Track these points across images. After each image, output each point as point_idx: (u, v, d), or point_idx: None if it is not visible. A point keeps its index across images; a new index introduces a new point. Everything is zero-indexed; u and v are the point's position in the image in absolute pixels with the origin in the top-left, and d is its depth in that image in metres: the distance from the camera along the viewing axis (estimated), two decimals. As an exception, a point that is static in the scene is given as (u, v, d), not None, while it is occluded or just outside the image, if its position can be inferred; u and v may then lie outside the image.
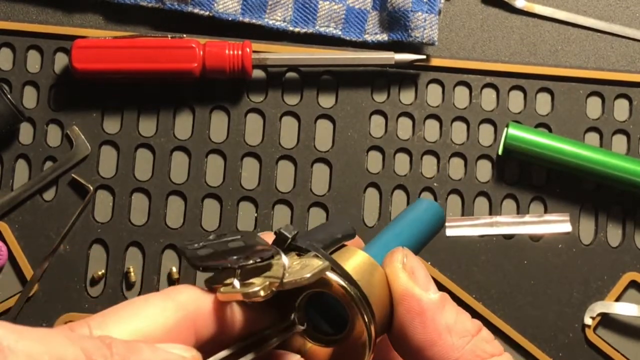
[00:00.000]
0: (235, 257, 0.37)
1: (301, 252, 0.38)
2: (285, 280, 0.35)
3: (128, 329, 0.32)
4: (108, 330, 0.32)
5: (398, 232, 0.44)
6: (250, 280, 0.36)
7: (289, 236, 0.38)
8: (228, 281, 0.36)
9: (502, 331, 0.60)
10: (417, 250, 0.44)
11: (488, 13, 0.65)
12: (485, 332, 0.40)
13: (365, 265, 0.39)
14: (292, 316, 0.38)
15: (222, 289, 0.36)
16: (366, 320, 0.37)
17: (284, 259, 0.36)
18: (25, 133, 0.62)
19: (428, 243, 0.46)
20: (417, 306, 0.39)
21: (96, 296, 0.60)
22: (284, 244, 0.38)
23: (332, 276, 0.37)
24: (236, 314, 0.36)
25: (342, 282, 0.37)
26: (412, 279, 0.39)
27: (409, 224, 0.45)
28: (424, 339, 0.38)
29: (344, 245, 0.40)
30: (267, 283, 0.35)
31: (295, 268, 0.36)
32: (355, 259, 0.39)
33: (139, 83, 0.62)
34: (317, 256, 0.37)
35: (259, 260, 0.36)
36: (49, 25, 0.62)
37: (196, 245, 0.39)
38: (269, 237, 0.40)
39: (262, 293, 0.35)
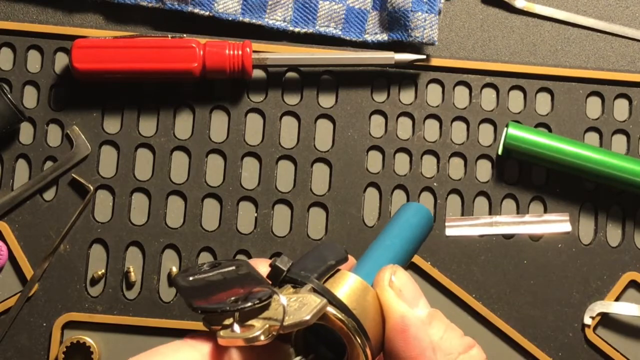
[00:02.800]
0: (233, 299, 0.37)
1: (296, 284, 0.39)
2: (285, 324, 0.36)
3: None
4: None
5: (388, 243, 0.44)
6: (250, 322, 0.37)
7: (284, 269, 0.39)
8: (227, 322, 0.37)
9: (502, 331, 0.60)
10: (409, 258, 0.45)
11: (488, 13, 0.65)
12: (476, 351, 0.40)
13: (358, 290, 0.40)
14: (292, 349, 0.38)
15: (222, 333, 0.36)
16: (363, 348, 0.38)
17: (283, 301, 0.36)
18: (26, 133, 0.62)
19: (420, 246, 0.47)
20: (401, 323, 0.39)
21: (96, 296, 0.60)
22: (279, 277, 0.39)
23: (329, 309, 0.38)
24: (235, 354, 0.37)
25: (339, 316, 0.38)
26: (399, 296, 0.40)
27: (398, 233, 0.45)
28: (407, 355, 0.39)
29: (338, 270, 0.41)
30: (267, 326, 0.36)
31: (293, 307, 0.37)
32: (348, 285, 0.40)
33: (139, 83, 0.62)
34: (313, 289, 0.38)
35: (257, 302, 0.37)
36: (49, 25, 0.62)
37: (190, 278, 0.39)
38: (260, 264, 0.40)
39: (262, 338, 0.36)
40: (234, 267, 0.40)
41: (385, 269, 0.41)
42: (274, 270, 0.39)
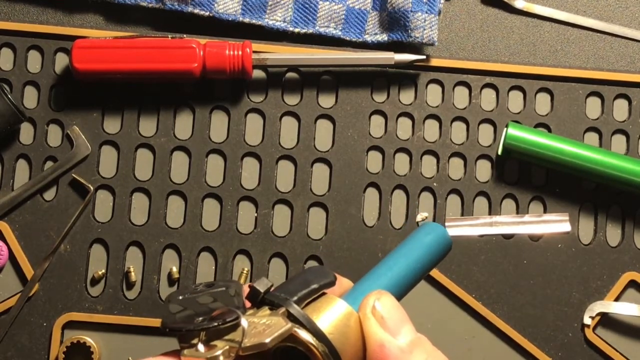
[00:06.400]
0: (200, 319, 0.38)
1: (273, 306, 0.39)
2: (244, 346, 0.36)
3: None
4: None
5: (392, 263, 0.43)
6: (214, 343, 0.37)
7: (261, 291, 0.39)
8: (194, 341, 0.37)
9: (502, 331, 0.60)
10: (415, 278, 0.44)
11: (488, 13, 0.65)
12: None
13: (340, 315, 0.39)
14: None
15: (185, 352, 0.37)
16: None
17: (243, 323, 0.37)
18: (26, 133, 0.62)
19: (433, 267, 0.45)
20: (379, 352, 0.39)
21: (96, 296, 0.60)
22: (257, 299, 0.39)
23: (301, 333, 0.37)
24: None
25: (309, 339, 0.38)
26: (380, 324, 0.39)
27: (406, 252, 0.44)
28: None
29: (323, 294, 0.40)
30: (228, 347, 0.36)
31: (259, 329, 0.37)
32: (330, 309, 0.39)
33: (139, 83, 0.62)
34: (287, 312, 0.38)
35: (221, 322, 0.37)
36: (49, 25, 0.62)
37: (180, 297, 0.40)
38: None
39: (221, 358, 0.36)
40: (223, 289, 0.41)
41: (370, 294, 0.40)
42: (252, 291, 0.39)
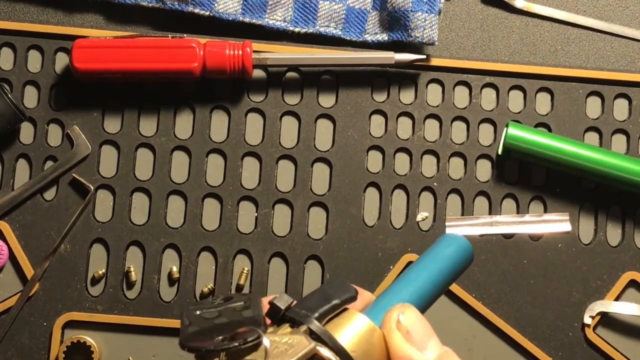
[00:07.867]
0: (220, 338, 0.37)
1: (294, 323, 0.38)
2: None
3: None
4: None
5: (413, 276, 0.43)
6: None
7: (282, 308, 0.39)
8: None
9: (502, 331, 0.60)
10: (437, 291, 0.43)
11: (488, 13, 0.65)
12: None
13: (362, 331, 0.38)
14: None
15: None
16: None
17: (266, 343, 0.36)
18: (26, 133, 0.62)
19: (455, 279, 0.44)
20: None
21: (97, 295, 0.60)
22: (277, 316, 0.39)
23: (324, 352, 0.37)
24: None
25: (333, 359, 0.37)
26: (406, 339, 0.38)
27: (426, 265, 0.43)
28: None
29: (345, 309, 0.40)
30: None
31: (281, 348, 0.36)
32: (352, 326, 0.39)
33: (140, 83, 0.62)
34: (309, 330, 0.37)
35: (242, 342, 0.36)
36: (49, 25, 0.62)
37: (197, 312, 0.39)
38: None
39: None
40: (242, 303, 0.40)
41: (393, 308, 0.39)
42: (272, 308, 0.39)
